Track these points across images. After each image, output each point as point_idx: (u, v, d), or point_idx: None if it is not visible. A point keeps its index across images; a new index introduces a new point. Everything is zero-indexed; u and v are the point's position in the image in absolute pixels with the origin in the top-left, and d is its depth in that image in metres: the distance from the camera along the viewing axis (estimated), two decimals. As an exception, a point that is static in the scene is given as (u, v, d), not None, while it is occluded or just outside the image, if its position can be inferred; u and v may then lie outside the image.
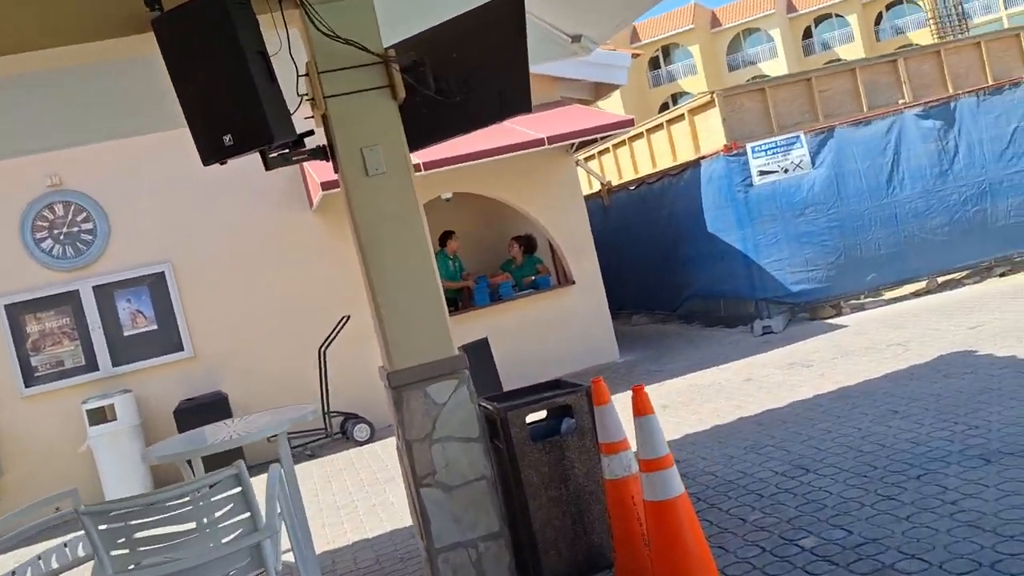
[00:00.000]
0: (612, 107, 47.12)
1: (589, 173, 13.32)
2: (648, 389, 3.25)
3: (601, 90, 10.17)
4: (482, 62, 3.84)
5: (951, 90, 10.41)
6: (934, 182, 9.14)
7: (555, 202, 9.48)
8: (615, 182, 12.98)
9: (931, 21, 44.77)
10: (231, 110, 3.24)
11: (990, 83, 10.18)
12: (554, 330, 9.43)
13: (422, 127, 4.02)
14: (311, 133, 3.68)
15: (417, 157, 7.73)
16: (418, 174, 7.85)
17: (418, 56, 3.73)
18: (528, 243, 9.88)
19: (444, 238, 9.35)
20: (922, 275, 9.35)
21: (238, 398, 8.18)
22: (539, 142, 7.75)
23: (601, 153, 13.76)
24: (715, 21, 51.76)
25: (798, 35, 51.53)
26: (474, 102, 3.92)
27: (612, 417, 3.50)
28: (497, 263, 10.23)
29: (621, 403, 3.63)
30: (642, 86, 50.38)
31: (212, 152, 3.33)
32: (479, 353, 8.53)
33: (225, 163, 3.39)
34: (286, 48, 3.42)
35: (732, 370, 7.86)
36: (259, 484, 3.28)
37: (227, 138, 3.24)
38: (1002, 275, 9.27)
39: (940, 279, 9.44)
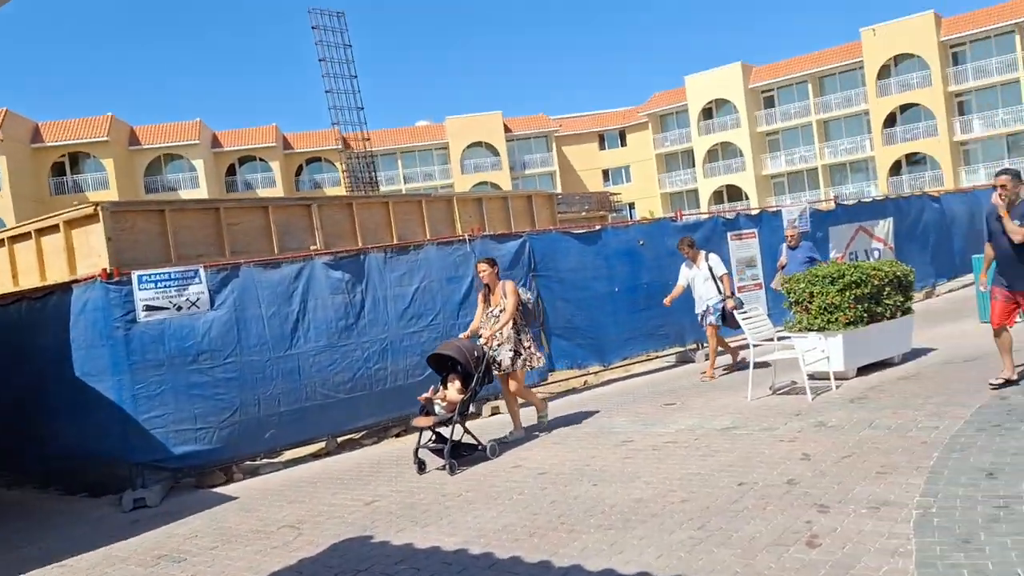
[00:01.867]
0: (3, 213, 40.15)
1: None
2: None
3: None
4: None
5: (360, 243, 10.38)
6: (339, 336, 8.64)
7: None
8: (-45, 299, 9.82)
9: (344, 175, 49.25)
10: None
11: (395, 241, 10.42)
12: None
13: None
14: None
15: None
16: None
17: None
18: None
19: None
20: (323, 434, 8.63)
21: None
22: None
23: (-59, 260, 10.44)
24: (134, 139, 48.88)
25: (222, 171, 51.81)
26: None
27: None
28: None
29: None
30: (42, 192, 44.33)
31: None
32: None
33: None
34: None
35: (78, 570, 5.78)
36: None
37: None
38: (397, 435, 9.07)
39: (340, 439, 8.84)
